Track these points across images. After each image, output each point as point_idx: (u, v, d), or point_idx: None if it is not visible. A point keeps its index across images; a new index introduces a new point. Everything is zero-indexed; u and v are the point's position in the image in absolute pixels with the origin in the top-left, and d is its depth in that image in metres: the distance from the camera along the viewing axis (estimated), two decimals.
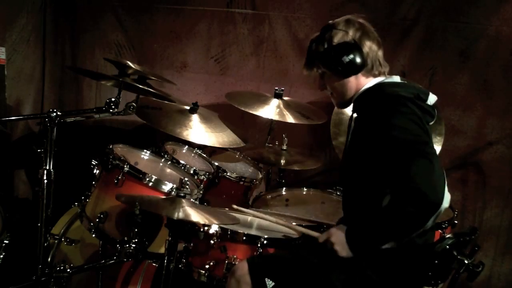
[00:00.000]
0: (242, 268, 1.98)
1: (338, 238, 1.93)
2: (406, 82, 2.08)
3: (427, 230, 1.94)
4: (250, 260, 2.02)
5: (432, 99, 2.00)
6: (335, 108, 3.13)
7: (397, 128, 1.83)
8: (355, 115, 2.12)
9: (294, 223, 2.44)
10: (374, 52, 2.00)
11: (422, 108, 1.94)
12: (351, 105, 2.11)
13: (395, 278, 1.92)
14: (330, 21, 2.04)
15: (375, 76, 2.03)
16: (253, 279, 1.95)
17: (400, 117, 1.85)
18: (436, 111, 2.02)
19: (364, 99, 2.03)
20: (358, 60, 1.96)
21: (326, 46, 1.99)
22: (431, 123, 2.01)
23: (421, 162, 1.77)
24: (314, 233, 2.14)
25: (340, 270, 1.92)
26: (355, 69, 1.99)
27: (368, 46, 1.98)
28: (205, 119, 2.99)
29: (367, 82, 2.03)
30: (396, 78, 2.06)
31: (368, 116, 1.99)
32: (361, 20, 2.03)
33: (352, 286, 1.91)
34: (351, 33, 1.97)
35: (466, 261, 1.79)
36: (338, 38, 1.98)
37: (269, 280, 1.93)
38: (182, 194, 2.13)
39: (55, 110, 2.26)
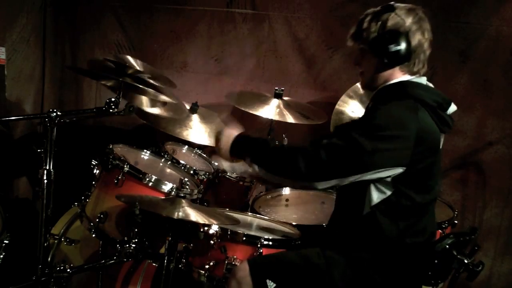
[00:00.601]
0: (243, 269, 1.97)
1: (228, 136, 2.01)
2: (432, 86, 2.03)
3: (427, 230, 1.94)
4: (251, 261, 2.01)
5: (452, 109, 1.99)
6: (335, 108, 3.14)
7: (383, 112, 1.84)
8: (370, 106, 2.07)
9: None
10: (421, 50, 1.93)
11: (441, 118, 1.92)
12: (357, 104, 2.08)
13: (396, 277, 1.92)
14: (392, 3, 1.95)
15: (411, 73, 1.97)
16: (254, 280, 1.94)
17: (397, 110, 1.85)
18: (453, 121, 2.00)
19: (384, 93, 1.98)
20: (403, 52, 1.89)
21: (378, 26, 1.92)
22: (447, 132, 1.99)
23: (345, 147, 1.79)
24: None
25: (342, 270, 1.92)
26: (397, 61, 1.92)
27: (419, 42, 1.91)
28: (205, 119, 2.99)
29: (400, 76, 1.97)
30: (423, 80, 2.00)
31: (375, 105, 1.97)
32: (423, 15, 1.95)
33: (353, 286, 1.91)
34: (408, 23, 1.90)
35: (466, 261, 1.80)
36: (393, 23, 1.90)
37: (270, 281, 1.93)
38: (182, 194, 2.13)
39: (55, 110, 2.26)
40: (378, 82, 2.00)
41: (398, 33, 1.89)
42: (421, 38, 1.92)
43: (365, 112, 2.06)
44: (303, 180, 1.85)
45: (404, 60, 1.92)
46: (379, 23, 1.92)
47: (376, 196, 1.87)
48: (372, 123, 1.84)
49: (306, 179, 1.84)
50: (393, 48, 1.89)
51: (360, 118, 1.94)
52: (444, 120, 1.94)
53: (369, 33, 1.94)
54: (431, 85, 2.04)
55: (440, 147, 2.00)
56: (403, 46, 1.89)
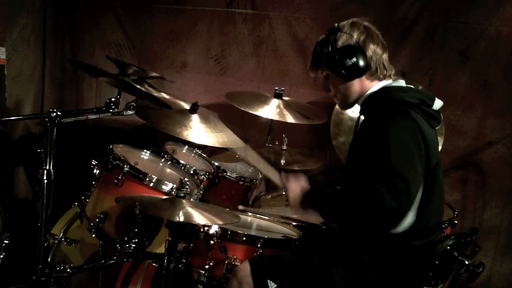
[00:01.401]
0: (244, 269, 1.98)
1: (294, 192, 1.98)
2: (412, 87, 2.07)
3: (432, 232, 1.94)
4: (252, 261, 2.02)
5: (437, 104, 2.01)
6: (335, 108, 3.14)
7: (391, 131, 1.83)
8: (362, 117, 2.11)
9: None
10: (378, 56, 2.00)
11: (427, 113, 1.95)
12: (357, 107, 2.11)
13: (396, 278, 1.92)
14: (336, 24, 2.05)
15: (379, 79, 2.04)
16: (255, 280, 1.95)
17: (398, 123, 1.85)
18: (441, 116, 2.02)
19: (370, 103, 2.03)
20: (361, 63, 1.97)
21: (330, 48, 2.00)
22: (437, 127, 2.01)
23: (395, 182, 1.75)
24: (277, 180, 2.15)
25: (342, 271, 1.92)
26: (358, 72, 1.99)
27: (372, 49, 1.99)
28: (205, 119, 2.98)
29: (372, 85, 2.03)
30: (402, 82, 2.06)
31: (372, 120, 1.99)
32: (366, 23, 2.04)
33: (354, 286, 1.91)
34: (355, 36, 1.98)
35: (466, 262, 1.80)
36: (342, 41, 1.99)
37: (271, 281, 1.93)
38: (182, 194, 2.13)
39: (55, 110, 2.26)
40: (352, 98, 2.08)
41: (350, 47, 1.98)
42: (372, 45, 2.00)
43: (364, 130, 2.06)
44: (387, 227, 1.84)
45: (365, 69, 1.99)
46: (330, 45, 2.01)
47: None
48: (388, 165, 1.79)
49: (391, 225, 1.83)
50: (350, 61, 1.97)
51: (372, 147, 1.89)
52: (430, 114, 1.97)
53: (324, 57, 2.03)
54: (411, 86, 2.09)
55: (435, 145, 2.02)
56: (359, 57, 1.97)
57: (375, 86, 2.03)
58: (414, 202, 1.82)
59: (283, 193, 2.10)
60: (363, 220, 1.80)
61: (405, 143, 1.82)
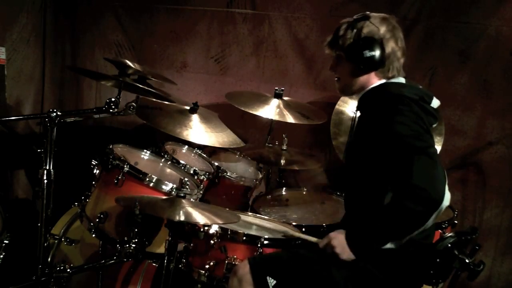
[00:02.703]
0: (244, 267, 1.99)
1: (339, 241, 1.93)
2: (411, 83, 2.08)
3: (427, 229, 1.94)
4: (251, 259, 2.02)
5: (435, 103, 2.03)
6: (335, 108, 3.14)
7: (399, 124, 1.85)
8: (358, 113, 2.12)
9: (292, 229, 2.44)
10: (395, 57, 2.01)
11: (425, 109, 1.96)
12: (352, 105, 2.12)
13: (397, 276, 1.92)
14: (368, 12, 2.03)
15: (387, 79, 2.04)
16: (254, 278, 1.95)
17: (402, 115, 1.87)
18: (438, 114, 2.04)
19: (368, 98, 2.04)
20: (377, 58, 1.97)
21: (354, 34, 2.00)
22: (434, 125, 2.02)
23: (421, 159, 1.78)
24: (313, 239, 2.12)
25: (342, 267, 1.92)
26: (371, 66, 1.99)
27: (392, 49, 1.99)
28: (205, 119, 2.98)
29: (376, 81, 2.04)
30: (402, 80, 2.08)
31: (371, 114, 2.00)
32: (395, 24, 2.04)
33: (354, 283, 1.92)
34: (382, 31, 1.98)
35: (467, 260, 1.80)
36: (368, 30, 1.98)
37: (270, 278, 1.93)
38: (182, 194, 2.13)
39: (55, 110, 2.26)
40: (353, 88, 2.08)
41: (373, 40, 1.97)
42: (394, 46, 2.00)
43: (364, 126, 2.07)
44: (429, 206, 1.79)
45: (378, 65, 1.99)
46: (355, 30, 2.00)
47: (389, 197, 1.89)
48: (406, 135, 1.83)
49: (427, 205, 1.79)
50: (368, 53, 1.97)
51: (382, 144, 1.90)
52: (428, 111, 1.98)
53: (345, 40, 2.02)
54: (411, 83, 2.10)
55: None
56: (377, 52, 1.96)
57: (378, 82, 2.04)
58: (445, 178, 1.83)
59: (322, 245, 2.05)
60: (414, 217, 1.79)
61: (413, 122, 1.85)
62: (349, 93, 2.16)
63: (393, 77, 2.05)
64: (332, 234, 1.98)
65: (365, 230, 1.90)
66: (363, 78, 2.04)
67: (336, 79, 2.14)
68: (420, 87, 2.08)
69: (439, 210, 1.77)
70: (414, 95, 1.94)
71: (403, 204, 1.77)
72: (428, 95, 2.01)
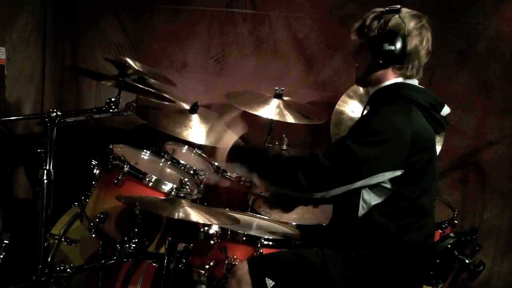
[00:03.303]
0: (243, 268, 1.98)
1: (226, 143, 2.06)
2: (424, 88, 2.05)
3: (427, 229, 1.95)
4: (250, 260, 2.02)
5: (445, 111, 2.02)
6: (335, 108, 3.14)
7: (376, 118, 1.86)
8: (367, 109, 2.10)
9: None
10: (417, 56, 1.97)
11: (434, 118, 1.96)
12: (357, 105, 2.11)
13: (397, 277, 1.92)
14: (399, 6, 1.99)
15: (404, 77, 2.00)
16: (253, 278, 1.95)
17: (389, 114, 1.88)
18: (447, 122, 2.03)
19: (379, 95, 2.02)
20: (397, 53, 1.92)
21: (380, 25, 1.95)
22: (441, 133, 2.01)
23: (340, 156, 1.82)
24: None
25: (340, 268, 1.92)
26: (389, 60, 1.95)
27: (415, 47, 1.95)
28: (205, 119, 2.98)
29: (392, 78, 2.00)
30: (415, 82, 2.04)
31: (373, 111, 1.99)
32: (426, 24, 1.99)
33: (353, 284, 1.92)
34: (409, 27, 1.94)
35: (467, 261, 1.80)
36: (394, 24, 1.94)
37: (269, 279, 1.93)
38: (182, 194, 2.13)
39: (55, 110, 2.26)
40: (369, 80, 2.04)
41: (396, 34, 1.92)
42: (418, 44, 1.96)
43: (361, 117, 2.09)
44: (304, 192, 1.87)
45: (396, 61, 1.95)
46: (382, 21, 1.95)
47: (370, 198, 1.90)
48: (366, 128, 1.88)
49: (306, 191, 1.87)
50: (388, 47, 1.92)
51: (354, 125, 1.98)
52: (437, 120, 1.98)
53: (370, 29, 1.98)
54: (424, 88, 2.07)
55: (435, 146, 2.03)
56: (398, 47, 1.92)
57: (394, 79, 2.00)
58: (354, 182, 1.84)
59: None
60: (292, 170, 1.85)
61: (388, 122, 1.85)
62: (365, 85, 2.13)
63: (411, 76, 2.00)
64: (227, 133, 2.11)
65: (253, 152, 2.04)
66: (380, 73, 2.00)
67: (356, 66, 2.10)
68: (432, 93, 2.03)
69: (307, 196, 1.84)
70: (425, 102, 1.92)
71: (297, 166, 1.84)
72: (439, 103, 1.98)
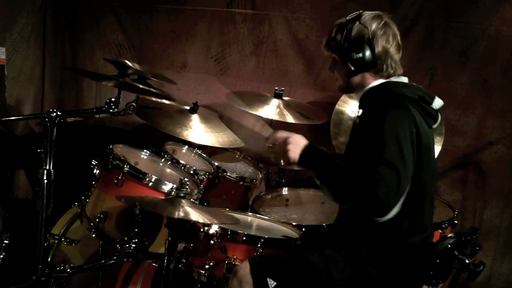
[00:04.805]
0: (244, 268, 1.98)
1: (297, 141, 1.99)
2: (413, 84, 2.07)
3: (427, 230, 1.95)
4: (251, 260, 2.02)
5: (437, 103, 2.02)
6: (335, 108, 3.14)
7: (384, 122, 1.83)
8: (360, 112, 2.11)
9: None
10: (388, 55, 1.99)
11: (425, 110, 1.95)
12: (352, 105, 2.12)
13: (397, 277, 1.92)
14: (360, 12, 2.02)
15: (384, 77, 2.03)
16: (255, 279, 1.94)
17: (394, 116, 1.86)
18: (440, 115, 2.03)
19: (369, 97, 2.04)
20: (367, 59, 1.96)
21: (343, 36, 1.99)
22: (434, 126, 2.01)
23: (387, 171, 1.74)
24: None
25: (341, 267, 1.92)
26: (362, 67, 1.99)
27: (383, 47, 1.97)
28: (205, 119, 2.98)
29: (373, 81, 2.03)
30: (404, 79, 2.06)
31: (369, 112, 2.00)
32: (388, 20, 2.01)
33: (354, 284, 1.92)
34: (371, 30, 1.96)
35: (467, 261, 1.80)
36: (356, 32, 1.97)
37: (271, 280, 1.93)
38: (182, 194, 2.13)
39: (55, 110, 2.26)
40: (351, 87, 2.09)
41: (361, 41, 1.96)
42: (385, 44, 1.98)
43: (360, 126, 2.07)
44: (374, 215, 1.79)
45: (369, 66, 1.98)
46: (344, 32, 1.99)
47: None
48: (381, 137, 1.81)
49: (378, 215, 1.78)
50: (356, 55, 1.96)
51: (363, 138, 1.92)
52: (428, 112, 1.97)
53: (336, 42, 2.03)
54: (413, 83, 2.08)
55: (433, 141, 2.05)
56: (366, 53, 1.95)
57: (376, 81, 2.03)
58: (401, 198, 1.79)
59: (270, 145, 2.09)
60: (354, 195, 1.78)
61: (399, 138, 1.81)
62: (349, 92, 2.16)
63: (391, 75, 2.03)
64: (296, 135, 2.03)
65: (325, 158, 1.93)
66: (357, 78, 2.04)
67: (336, 79, 2.14)
68: (421, 88, 2.06)
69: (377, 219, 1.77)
70: (414, 95, 1.94)
71: (369, 170, 1.75)
72: (429, 96, 1.99)
